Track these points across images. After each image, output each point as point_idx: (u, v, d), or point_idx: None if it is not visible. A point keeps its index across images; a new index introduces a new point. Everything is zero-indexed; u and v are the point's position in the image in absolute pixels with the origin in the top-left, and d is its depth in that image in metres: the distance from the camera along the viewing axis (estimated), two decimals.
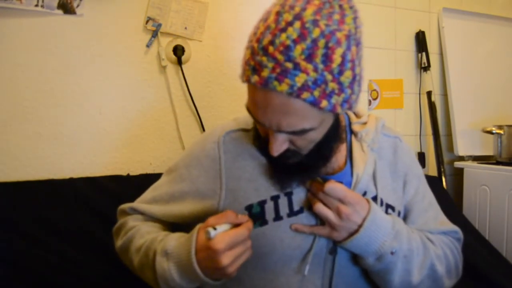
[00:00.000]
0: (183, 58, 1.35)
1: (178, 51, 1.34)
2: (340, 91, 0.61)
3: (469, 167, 1.69)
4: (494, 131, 1.64)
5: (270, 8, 0.63)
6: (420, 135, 1.79)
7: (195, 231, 0.69)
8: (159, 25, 1.33)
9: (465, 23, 1.84)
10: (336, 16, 0.60)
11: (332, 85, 0.60)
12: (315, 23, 0.58)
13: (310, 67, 0.58)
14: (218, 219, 0.68)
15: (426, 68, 1.76)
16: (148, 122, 1.34)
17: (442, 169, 1.72)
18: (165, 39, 1.34)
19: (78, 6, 1.23)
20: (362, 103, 1.69)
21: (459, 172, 1.75)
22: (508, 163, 1.61)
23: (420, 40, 1.76)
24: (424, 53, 1.75)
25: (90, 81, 1.26)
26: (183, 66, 1.36)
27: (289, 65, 0.58)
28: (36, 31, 1.19)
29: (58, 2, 1.20)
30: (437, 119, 1.75)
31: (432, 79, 1.76)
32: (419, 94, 1.79)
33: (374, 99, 1.71)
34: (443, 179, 1.70)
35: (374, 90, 1.71)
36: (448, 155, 1.82)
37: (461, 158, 1.80)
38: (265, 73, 0.59)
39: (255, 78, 0.61)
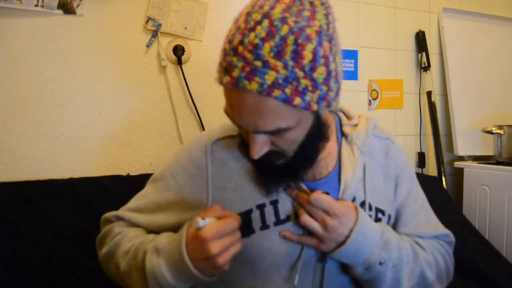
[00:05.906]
0: (183, 58, 1.35)
1: (178, 51, 1.34)
2: (314, 88, 0.60)
3: (469, 167, 1.69)
4: (494, 131, 1.64)
5: (242, 10, 0.63)
6: (420, 135, 1.79)
7: (185, 226, 0.69)
8: (159, 25, 1.33)
9: (465, 23, 1.84)
10: (306, 13, 0.59)
11: (304, 82, 0.59)
12: (283, 20, 0.58)
13: (279, 64, 0.57)
14: (206, 213, 0.68)
15: (426, 68, 1.76)
16: (148, 122, 1.34)
17: (442, 169, 1.72)
18: (165, 39, 1.34)
19: (78, 6, 1.23)
20: (362, 103, 1.70)
21: (459, 172, 1.75)
22: (508, 163, 1.61)
23: (420, 40, 1.76)
24: (424, 53, 1.75)
25: (90, 81, 1.26)
26: (183, 66, 1.36)
27: (258, 63, 0.58)
28: (36, 31, 1.19)
29: (58, 2, 1.20)
30: (437, 119, 1.75)
31: (432, 79, 1.76)
32: (419, 94, 1.79)
33: (374, 99, 1.71)
34: (443, 179, 1.70)
35: (374, 90, 1.71)
36: (448, 155, 1.82)
37: (461, 158, 1.80)
38: (236, 73, 0.59)
39: (226, 79, 0.61)
